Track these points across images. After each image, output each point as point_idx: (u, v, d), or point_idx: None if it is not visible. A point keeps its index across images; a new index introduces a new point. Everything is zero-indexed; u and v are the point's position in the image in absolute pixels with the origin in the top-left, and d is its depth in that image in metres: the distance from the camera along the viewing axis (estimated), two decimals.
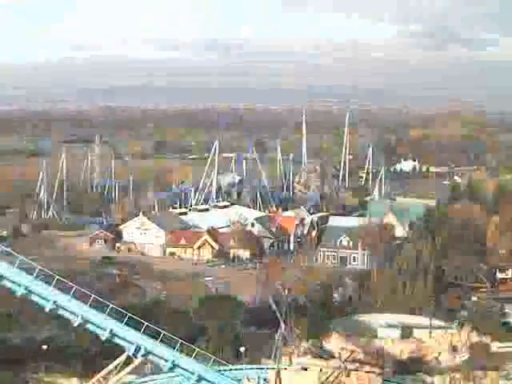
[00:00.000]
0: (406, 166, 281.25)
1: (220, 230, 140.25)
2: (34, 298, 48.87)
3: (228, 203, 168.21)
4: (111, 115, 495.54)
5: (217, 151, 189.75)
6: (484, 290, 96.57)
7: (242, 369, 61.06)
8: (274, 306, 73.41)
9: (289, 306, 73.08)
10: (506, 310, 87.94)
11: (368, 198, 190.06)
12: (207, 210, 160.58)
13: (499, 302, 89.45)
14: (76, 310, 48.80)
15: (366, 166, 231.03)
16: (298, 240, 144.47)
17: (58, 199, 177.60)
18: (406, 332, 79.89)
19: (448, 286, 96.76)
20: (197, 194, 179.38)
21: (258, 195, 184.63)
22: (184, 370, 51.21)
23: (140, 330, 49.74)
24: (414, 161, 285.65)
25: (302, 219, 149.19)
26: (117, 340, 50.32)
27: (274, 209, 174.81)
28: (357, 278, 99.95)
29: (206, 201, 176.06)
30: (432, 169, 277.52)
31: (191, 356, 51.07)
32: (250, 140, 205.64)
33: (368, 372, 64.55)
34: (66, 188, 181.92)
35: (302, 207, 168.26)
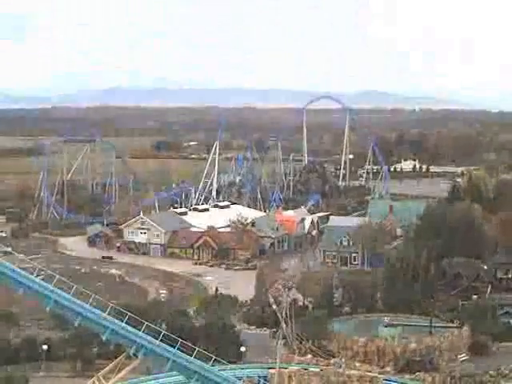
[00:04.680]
0: (406, 165, 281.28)
1: (220, 230, 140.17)
2: (35, 298, 48.83)
3: (228, 203, 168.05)
4: (111, 115, 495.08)
5: (217, 151, 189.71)
6: (484, 289, 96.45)
7: (242, 368, 61.15)
8: (274, 306, 73.56)
9: (289, 306, 73.18)
10: (506, 310, 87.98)
11: (368, 198, 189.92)
12: (207, 209, 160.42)
13: (499, 302, 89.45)
14: (76, 310, 48.76)
15: (366, 166, 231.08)
16: (299, 240, 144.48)
17: (58, 199, 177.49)
18: (406, 332, 79.98)
19: (448, 286, 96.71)
20: (197, 193, 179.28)
21: (258, 195, 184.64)
22: (184, 369, 51.20)
23: (140, 330, 49.70)
24: (414, 161, 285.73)
25: (303, 219, 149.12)
26: (117, 340, 50.30)
27: (275, 208, 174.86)
28: (357, 277, 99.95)
29: (206, 201, 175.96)
30: (432, 169, 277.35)
31: (191, 356, 51.01)
32: (249, 140, 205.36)
33: (368, 372, 64.69)
34: (67, 188, 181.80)
35: (303, 207, 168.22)
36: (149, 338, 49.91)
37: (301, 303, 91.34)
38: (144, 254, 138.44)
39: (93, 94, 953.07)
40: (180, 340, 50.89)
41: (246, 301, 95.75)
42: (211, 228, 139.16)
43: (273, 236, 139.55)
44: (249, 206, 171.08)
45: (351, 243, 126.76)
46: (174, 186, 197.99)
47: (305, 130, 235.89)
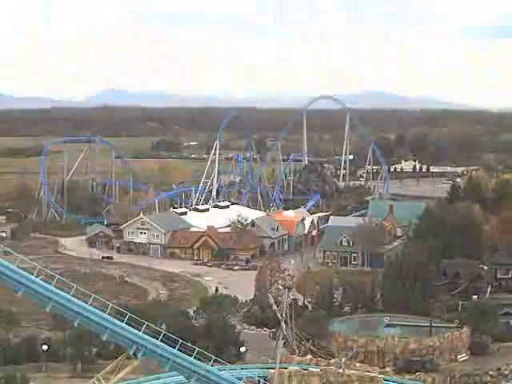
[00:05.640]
0: (406, 165, 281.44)
1: (220, 230, 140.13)
2: (35, 298, 48.82)
3: (228, 203, 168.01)
4: (111, 115, 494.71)
5: (217, 151, 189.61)
6: (484, 290, 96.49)
7: (242, 368, 61.12)
8: (274, 306, 73.50)
9: (289, 306, 73.12)
10: (506, 310, 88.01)
11: (368, 198, 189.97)
12: (207, 209, 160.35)
13: (499, 302, 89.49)
14: (76, 310, 48.75)
15: (367, 166, 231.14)
16: (299, 240, 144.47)
17: (58, 199, 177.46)
18: (406, 332, 79.97)
19: (448, 286, 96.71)
20: (197, 193, 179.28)
21: (258, 195, 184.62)
22: (184, 369, 51.20)
23: (140, 330, 49.71)
24: (415, 161, 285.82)
25: (303, 219, 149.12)
26: (117, 340, 50.29)
27: (275, 209, 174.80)
28: (357, 277, 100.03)
29: (206, 201, 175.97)
30: (432, 169, 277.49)
31: (191, 356, 51.03)
32: (249, 140, 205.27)
33: (368, 372, 64.69)
34: (67, 188, 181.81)
35: (303, 207, 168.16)
36: (149, 338, 49.92)
37: (301, 303, 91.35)
38: (144, 254, 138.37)
39: (93, 94, 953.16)
40: (180, 340, 50.90)
41: (246, 301, 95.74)
42: (211, 228, 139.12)
43: (273, 236, 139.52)
44: (249, 206, 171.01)
45: (351, 243, 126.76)
46: (173, 186, 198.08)
47: (305, 130, 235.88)
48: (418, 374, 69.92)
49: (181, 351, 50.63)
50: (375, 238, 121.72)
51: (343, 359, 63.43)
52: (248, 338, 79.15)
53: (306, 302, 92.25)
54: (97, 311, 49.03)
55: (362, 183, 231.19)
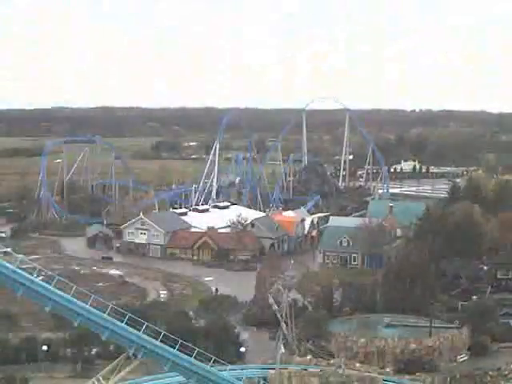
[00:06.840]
0: (406, 166, 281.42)
1: (220, 231, 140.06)
2: (35, 298, 48.84)
3: (228, 203, 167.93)
4: (111, 115, 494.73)
5: (217, 151, 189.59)
6: (484, 290, 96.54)
7: (242, 369, 61.16)
8: (274, 307, 73.60)
9: (289, 306, 73.21)
10: (506, 310, 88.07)
11: (368, 198, 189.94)
12: (207, 210, 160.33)
13: (499, 303, 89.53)
14: (76, 310, 48.78)
15: (366, 166, 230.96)
16: (298, 240, 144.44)
17: (58, 199, 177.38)
18: (406, 332, 79.97)
19: (448, 287, 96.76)
20: (197, 194, 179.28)
21: (258, 195, 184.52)
22: (184, 370, 51.22)
23: (140, 330, 49.73)
24: (414, 161, 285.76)
25: (303, 219, 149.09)
26: (117, 340, 50.34)
27: (274, 209, 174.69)
28: (357, 278, 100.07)
29: (206, 201, 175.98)
30: (432, 169, 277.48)
31: (191, 356, 51.04)
32: (249, 140, 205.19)
33: (368, 372, 64.71)
34: (66, 188, 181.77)
35: (302, 207, 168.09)
36: (149, 338, 49.95)
37: (301, 303, 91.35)
38: (144, 254, 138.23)
39: (93, 95, 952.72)
40: (180, 340, 50.91)
41: (246, 301, 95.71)
42: (211, 228, 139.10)
43: (273, 237, 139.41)
44: (248, 207, 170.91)
45: (351, 244, 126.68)
46: (173, 186, 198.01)
47: (305, 131, 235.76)
48: (417, 374, 69.95)
49: (181, 351, 50.66)
50: (375, 239, 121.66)
51: (343, 359, 63.48)
52: (248, 338, 79.20)
53: (305, 303, 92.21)
54: (97, 311, 49.08)
55: (362, 183, 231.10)
